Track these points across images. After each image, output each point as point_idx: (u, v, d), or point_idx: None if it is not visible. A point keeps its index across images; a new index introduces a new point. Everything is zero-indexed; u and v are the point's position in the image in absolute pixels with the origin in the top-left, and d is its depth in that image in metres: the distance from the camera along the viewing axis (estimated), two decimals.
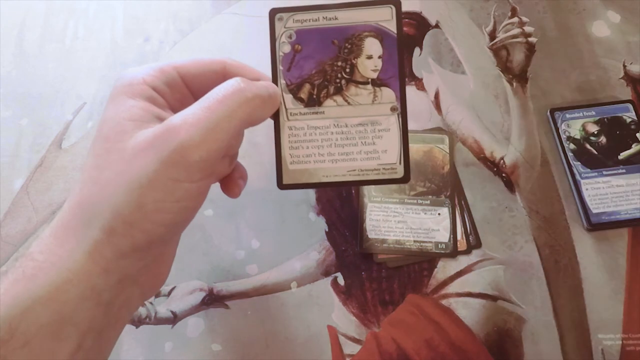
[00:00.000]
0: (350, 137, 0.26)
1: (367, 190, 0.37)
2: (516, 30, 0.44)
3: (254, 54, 0.45)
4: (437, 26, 0.45)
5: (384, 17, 0.26)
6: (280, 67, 0.26)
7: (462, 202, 0.38)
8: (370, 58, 0.26)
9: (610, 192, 0.37)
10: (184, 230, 0.25)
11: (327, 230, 0.38)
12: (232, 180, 0.29)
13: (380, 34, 0.26)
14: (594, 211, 0.36)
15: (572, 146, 0.39)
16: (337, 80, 0.26)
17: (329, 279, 0.36)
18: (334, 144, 0.26)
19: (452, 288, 0.35)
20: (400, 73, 0.26)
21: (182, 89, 0.26)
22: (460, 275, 0.36)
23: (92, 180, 0.22)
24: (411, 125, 0.40)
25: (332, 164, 0.26)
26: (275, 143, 0.26)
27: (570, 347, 0.34)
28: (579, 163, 0.38)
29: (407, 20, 0.45)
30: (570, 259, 0.36)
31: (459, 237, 0.37)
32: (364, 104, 0.26)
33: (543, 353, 0.34)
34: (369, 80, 0.26)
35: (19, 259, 0.21)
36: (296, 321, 0.35)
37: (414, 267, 0.36)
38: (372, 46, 0.26)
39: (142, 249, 0.22)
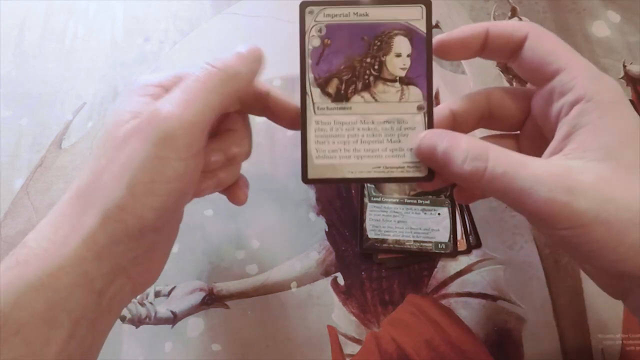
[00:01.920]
0: (377, 134, 0.26)
1: (367, 190, 0.37)
2: None
3: None
4: (437, 26, 0.45)
5: (414, 16, 0.26)
6: (309, 61, 0.26)
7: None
8: (399, 56, 0.26)
9: None
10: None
11: (327, 230, 0.38)
12: (238, 187, 0.30)
13: (409, 32, 0.26)
14: None
15: None
16: (366, 77, 0.26)
17: (329, 279, 0.36)
18: (360, 140, 0.26)
19: (452, 288, 0.35)
20: (428, 72, 0.26)
21: None
22: (460, 275, 0.36)
23: (90, 170, 0.23)
24: None
25: (358, 160, 0.26)
26: (302, 137, 0.26)
27: (570, 347, 0.34)
28: None
29: None
30: (570, 259, 0.36)
31: (459, 237, 0.37)
32: (391, 101, 0.26)
33: (543, 353, 0.34)
34: (397, 78, 0.26)
35: (13, 248, 0.22)
36: (296, 321, 0.35)
37: (414, 267, 0.36)
38: (401, 44, 0.26)
39: (135, 235, 0.22)
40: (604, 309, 0.35)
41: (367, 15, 0.26)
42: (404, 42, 0.26)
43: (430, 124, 0.26)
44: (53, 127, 0.42)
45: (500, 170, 0.21)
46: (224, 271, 0.37)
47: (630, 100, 0.40)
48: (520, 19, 0.45)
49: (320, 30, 0.26)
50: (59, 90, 0.44)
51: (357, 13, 0.26)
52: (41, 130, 0.42)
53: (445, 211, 0.37)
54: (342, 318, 0.35)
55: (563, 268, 0.36)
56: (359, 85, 0.26)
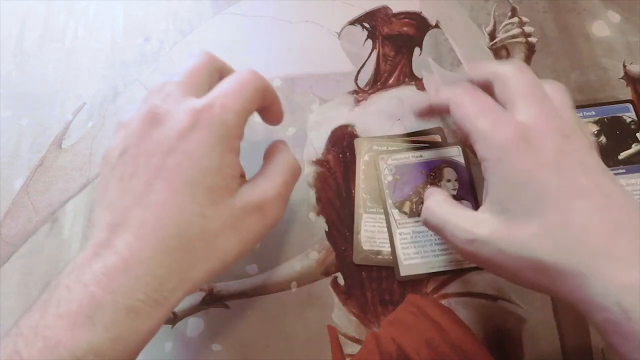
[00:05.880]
0: None
1: (362, 200, 0.37)
2: (516, 30, 0.44)
3: (253, 54, 0.45)
4: (437, 26, 0.45)
5: (455, 153, 0.37)
6: (386, 191, 0.36)
7: None
8: (449, 181, 0.36)
9: None
10: None
11: (327, 230, 0.38)
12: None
13: (453, 164, 0.37)
14: None
15: None
16: None
17: (329, 279, 0.36)
18: (434, 242, 0.35)
19: (452, 288, 0.35)
20: (472, 189, 0.36)
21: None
22: (460, 275, 0.36)
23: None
24: (411, 125, 0.40)
25: (435, 257, 0.35)
26: (391, 245, 0.35)
27: (570, 347, 0.34)
28: None
29: (407, 20, 0.45)
30: None
31: None
32: None
33: (543, 353, 0.34)
34: (451, 196, 0.33)
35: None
36: (296, 321, 0.35)
37: None
38: (449, 173, 0.37)
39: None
40: None
41: (421, 156, 0.37)
42: (451, 171, 0.37)
43: None
44: (53, 127, 0.42)
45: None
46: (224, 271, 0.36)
47: (630, 100, 0.40)
48: (521, 19, 0.45)
49: (391, 170, 0.37)
50: (59, 90, 0.44)
51: (415, 156, 0.37)
52: (41, 130, 0.42)
53: None
54: (342, 318, 0.35)
55: None
56: None
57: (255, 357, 0.34)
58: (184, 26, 0.46)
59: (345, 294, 0.36)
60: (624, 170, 0.37)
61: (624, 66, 0.42)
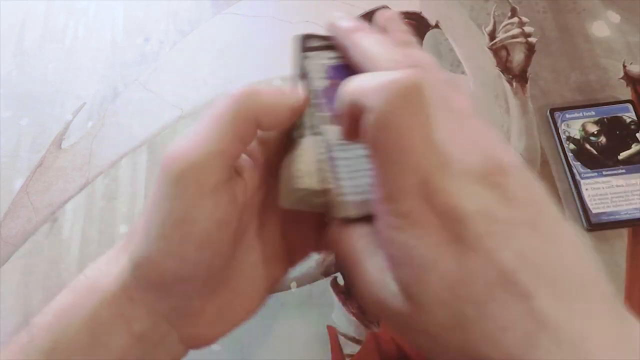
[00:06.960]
0: None
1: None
2: (516, 30, 0.44)
3: (253, 54, 0.45)
4: (437, 26, 0.45)
5: None
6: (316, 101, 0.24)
7: None
8: None
9: (610, 192, 0.37)
10: None
11: None
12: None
13: None
14: (594, 211, 0.36)
15: (571, 146, 0.39)
16: None
17: (329, 279, 0.36)
18: None
19: None
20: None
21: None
22: None
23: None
24: None
25: None
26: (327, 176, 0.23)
27: None
28: (579, 163, 0.38)
29: (407, 20, 0.45)
30: None
31: None
32: None
33: None
34: None
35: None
36: (296, 321, 0.35)
37: None
38: None
39: (157, 284, 0.21)
40: None
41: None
42: None
43: None
44: (53, 127, 0.42)
45: None
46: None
47: (630, 100, 0.40)
48: (521, 19, 0.45)
49: (324, 73, 0.25)
50: (59, 90, 0.44)
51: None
52: (41, 130, 0.42)
53: None
54: (342, 318, 0.35)
55: None
56: None
57: (255, 357, 0.34)
58: (184, 26, 0.46)
59: (345, 294, 0.36)
60: (624, 171, 0.37)
61: (624, 66, 0.42)
